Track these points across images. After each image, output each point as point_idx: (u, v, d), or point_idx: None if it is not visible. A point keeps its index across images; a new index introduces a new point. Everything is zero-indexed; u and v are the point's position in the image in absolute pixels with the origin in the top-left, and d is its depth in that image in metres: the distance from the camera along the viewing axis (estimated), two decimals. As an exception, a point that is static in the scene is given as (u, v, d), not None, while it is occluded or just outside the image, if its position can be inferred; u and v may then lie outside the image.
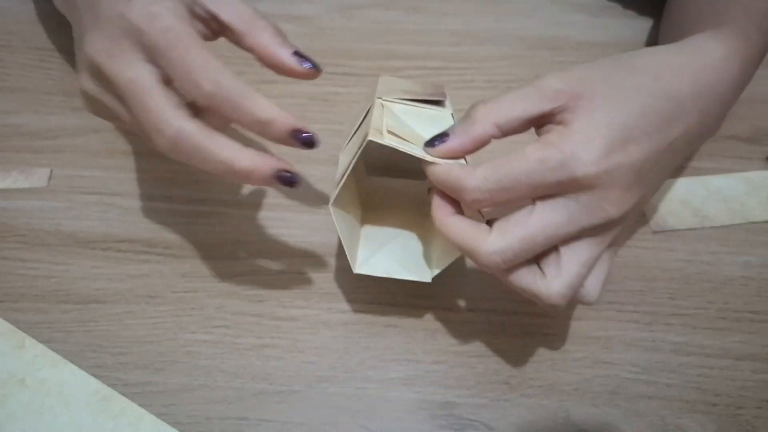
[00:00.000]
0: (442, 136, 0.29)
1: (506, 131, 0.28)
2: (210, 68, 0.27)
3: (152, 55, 0.27)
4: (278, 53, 0.29)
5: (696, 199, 0.41)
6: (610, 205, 0.27)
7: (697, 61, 0.29)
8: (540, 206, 0.27)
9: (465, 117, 0.29)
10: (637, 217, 0.32)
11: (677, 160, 0.30)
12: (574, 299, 0.30)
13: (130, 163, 0.42)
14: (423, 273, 0.33)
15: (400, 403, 0.33)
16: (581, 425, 0.33)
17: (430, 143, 0.29)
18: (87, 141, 0.43)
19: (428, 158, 0.29)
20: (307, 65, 0.30)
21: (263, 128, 0.28)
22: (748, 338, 0.36)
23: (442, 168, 0.29)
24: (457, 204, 0.30)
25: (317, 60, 0.30)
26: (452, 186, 0.28)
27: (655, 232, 0.39)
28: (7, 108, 0.44)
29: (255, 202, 0.40)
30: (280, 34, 0.30)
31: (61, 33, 0.48)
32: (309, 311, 0.36)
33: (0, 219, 0.39)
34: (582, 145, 0.26)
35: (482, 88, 0.45)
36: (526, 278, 0.28)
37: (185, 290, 0.37)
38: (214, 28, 0.31)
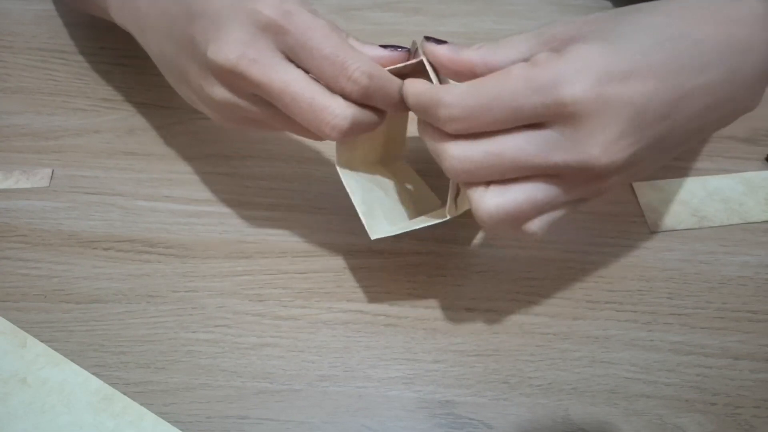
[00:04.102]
0: (439, 40, 0.28)
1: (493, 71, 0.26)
2: (361, 62, 0.27)
3: (293, 53, 0.27)
4: (370, 51, 0.29)
5: (694, 199, 0.41)
6: (595, 146, 0.24)
7: (724, 11, 0.25)
8: (519, 131, 0.25)
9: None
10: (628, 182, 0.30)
11: (697, 123, 0.26)
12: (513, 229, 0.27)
13: (131, 163, 0.42)
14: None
15: (400, 402, 0.33)
16: (580, 424, 0.33)
17: (428, 38, 0.28)
18: (89, 141, 0.43)
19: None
20: (397, 50, 0.29)
21: (399, 106, 0.28)
22: (747, 338, 0.36)
23: (420, 85, 0.27)
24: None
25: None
26: (428, 102, 0.26)
27: (653, 232, 0.39)
28: (9, 108, 0.44)
29: (255, 202, 0.40)
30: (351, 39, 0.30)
31: (64, 34, 0.48)
32: (309, 310, 0.36)
33: (2, 219, 0.39)
34: (573, 68, 0.23)
35: (482, 89, 0.45)
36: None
37: (186, 290, 0.37)
38: None
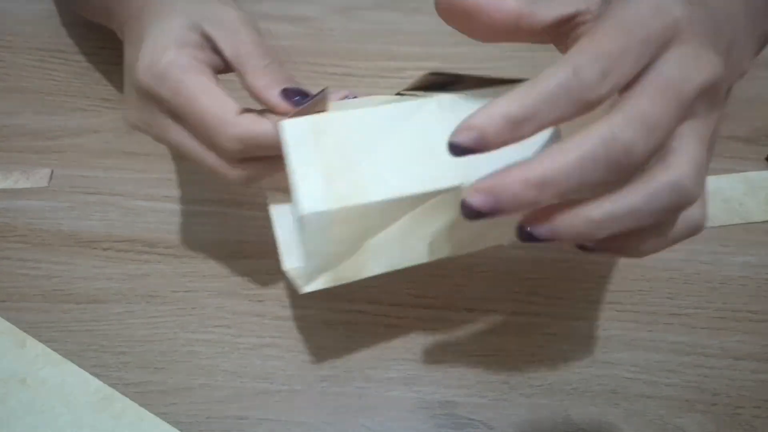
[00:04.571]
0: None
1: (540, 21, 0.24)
2: (227, 127, 0.25)
3: (174, 117, 0.27)
4: (266, 96, 0.27)
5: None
6: (716, 54, 0.22)
7: None
8: (645, 85, 0.21)
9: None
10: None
11: (736, 52, 0.25)
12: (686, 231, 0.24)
13: (131, 163, 0.42)
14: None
15: (400, 403, 0.33)
16: (581, 424, 0.33)
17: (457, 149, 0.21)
18: (88, 141, 0.43)
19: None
20: (296, 99, 0.27)
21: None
22: (747, 338, 0.36)
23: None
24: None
25: (309, 89, 0.28)
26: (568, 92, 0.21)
27: (654, 232, 0.39)
28: (8, 108, 0.44)
29: (255, 202, 0.40)
30: (273, 69, 0.27)
31: (63, 34, 0.48)
32: (310, 311, 0.36)
33: (1, 219, 0.39)
34: None
35: (482, 88, 0.45)
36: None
37: (186, 290, 0.37)
38: (223, 59, 0.28)
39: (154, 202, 0.40)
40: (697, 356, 0.35)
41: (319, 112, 0.26)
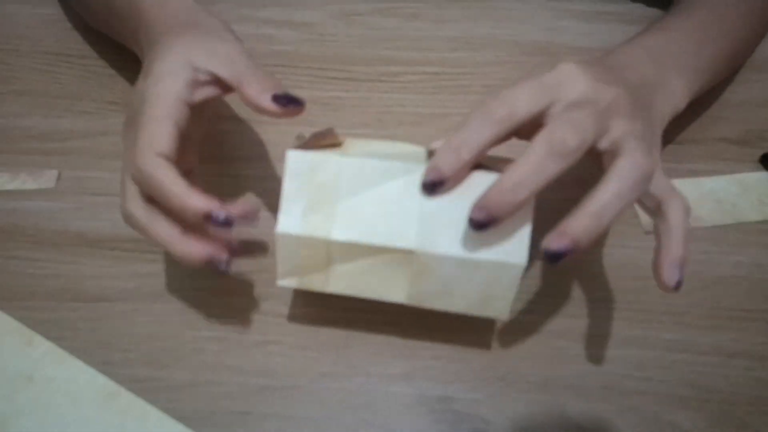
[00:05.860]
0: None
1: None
2: (192, 207, 0.29)
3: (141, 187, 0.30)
4: (259, 101, 0.31)
5: (688, 200, 0.41)
6: (609, 83, 0.29)
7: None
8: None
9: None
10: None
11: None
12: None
13: (136, 165, 0.43)
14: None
15: (400, 398, 0.34)
16: (575, 420, 0.33)
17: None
18: (94, 143, 0.43)
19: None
20: (289, 106, 0.31)
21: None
22: (740, 336, 0.36)
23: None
24: None
25: (298, 95, 0.31)
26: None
27: (647, 233, 0.40)
28: (15, 111, 0.45)
29: (258, 203, 0.41)
30: (263, 80, 0.31)
31: (69, 38, 0.49)
32: (312, 309, 0.37)
33: (9, 219, 0.40)
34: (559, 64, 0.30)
35: (479, 92, 0.46)
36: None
37: (191, 288, 0.37)
38: (222, 86, 0.32)
39: (159, 203, 0.41)
40: (690, 354, 0.36)
41: (327, 145, 0.31)
